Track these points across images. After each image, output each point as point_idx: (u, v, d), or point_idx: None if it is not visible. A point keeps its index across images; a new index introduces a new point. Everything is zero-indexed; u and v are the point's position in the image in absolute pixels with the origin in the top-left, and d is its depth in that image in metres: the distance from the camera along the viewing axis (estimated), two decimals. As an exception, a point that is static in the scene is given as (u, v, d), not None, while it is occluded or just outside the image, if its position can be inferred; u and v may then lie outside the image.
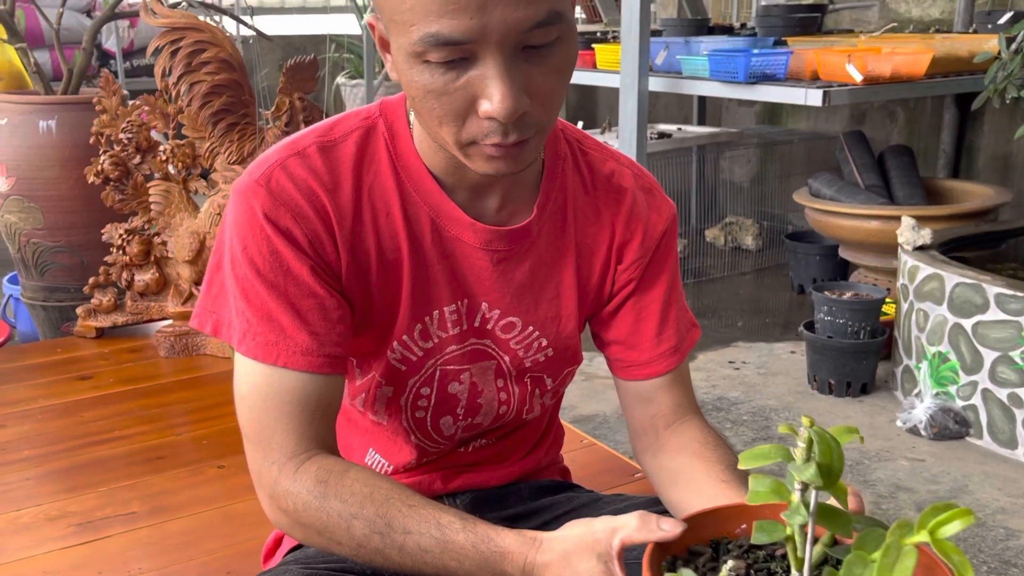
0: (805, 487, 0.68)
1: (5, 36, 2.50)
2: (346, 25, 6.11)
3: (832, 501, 0.69)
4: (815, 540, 0.69)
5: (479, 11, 0.73)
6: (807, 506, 0.68)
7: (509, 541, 0.80)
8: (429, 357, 0.97)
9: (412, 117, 0.92)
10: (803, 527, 0.69)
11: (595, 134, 4.09)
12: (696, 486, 0.95)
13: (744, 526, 0.78)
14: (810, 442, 0.68)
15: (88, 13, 5.24)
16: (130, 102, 2.21)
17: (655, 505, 1.03)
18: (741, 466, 0.68)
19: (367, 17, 0.89)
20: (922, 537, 0.64)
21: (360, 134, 0.91)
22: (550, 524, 1.08)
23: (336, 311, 0.89)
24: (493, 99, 0.76)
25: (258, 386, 0.88)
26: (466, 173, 0.90)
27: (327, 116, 2.14)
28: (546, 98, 0.80)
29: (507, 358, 1.00)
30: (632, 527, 0.75)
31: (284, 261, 0.87)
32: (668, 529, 0.72)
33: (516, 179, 0.94)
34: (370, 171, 0.91)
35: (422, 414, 1.01)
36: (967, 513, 0.63)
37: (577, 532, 0.79)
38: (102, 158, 2.18)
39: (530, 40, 0.76)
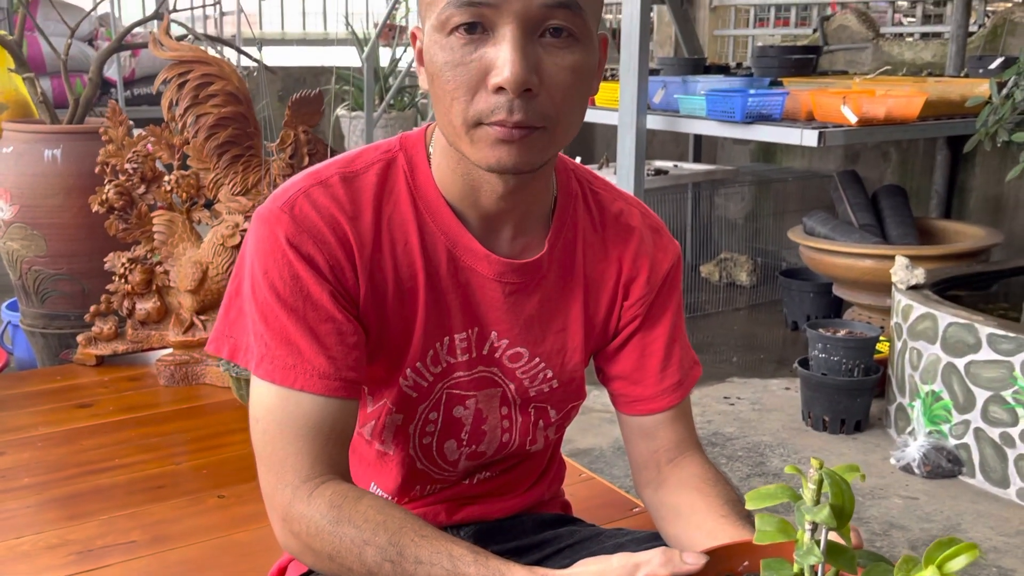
0: (815, 527, 0.70)
1: (13, 65, 2.53)
2: (346, 57, 6.17)
3: (834, 536, 0.70)
4: (821, 576, 0.71)
5: None
6: (819, 544, 0.69)
7: None
8: (438, 381, 0.99)
9: (432, 149, 0.95)
10: (813, 566, 0.70)
11: (592, 170, 4.13)
12: (696, 521, 0.96)
13: (747, 563, 0.79)
14: (820, 483, 0.70)
15: (90, 42, 5.29)
16: (135, 131, 2.23)
17: (655, 539, 1.04)
18: (748, 507, 0.70)
19: (411, 28, 0.93)
20: (930, 572, 0.66)
21: (381, 166, 0.94)
22: (553, 557, 1.09)
23: (353, 336, 0.91)
24: (503, 69, 0.80)
25: (274, 409, 0.89)
26: (479, 198, 0.93)
27: (328, 147, 2.16)
28: (555, 91, 0.83)
29: (512, 387, 1.02)
30: (656, 563, 0.76)
31: (304, 286, 0.89)
32: (692, 563, 0.74)
33: (528, 212, 0.97)
34: (389, 201, 0.94)
35: (429, 440, 1.03)
36: (972, 547, 0.65)
37: (594, 569, 0.79)
38: (107, 187, 2.19)
39: (546, 21, 0.81)
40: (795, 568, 0.72)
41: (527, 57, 0.81)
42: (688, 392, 1.08)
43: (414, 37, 0.91)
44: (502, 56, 0.81)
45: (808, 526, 0.69)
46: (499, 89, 0.81)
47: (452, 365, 0.99)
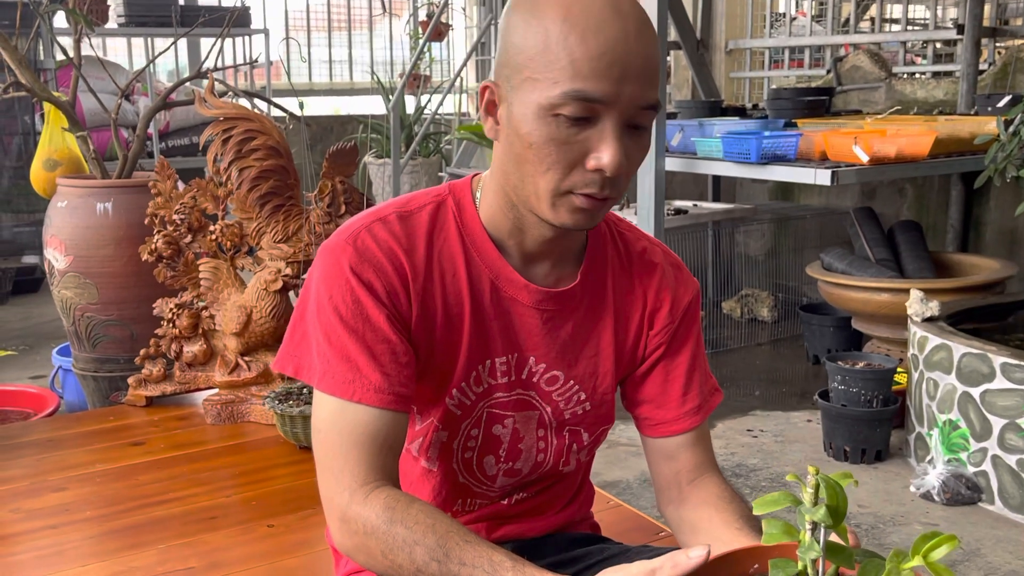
0: (815, 526, 0.79)
1: (67, 124, 2.69)
2: (373, 106, 6.36)
3: (834, 538, 0.80)
4: (824, 573, 0.80)
5: (618, 82, 0.93)
6: (818, 542, 0.79)
7: None
8: (480, 400, 1.11)
9: (479, 194, 1.08)
10: (815, 562, 0.80)
11: (614, 210, 4.24)
12: (714, 534, 1.06)
13: (757, 566, 0.89)
14: (816, 487, 0.80)
15: (127, 97, 5.49)
16: (180, 184, 2.37)
17: (680, 553, 1.13)
18: (755, 512, 0.80)
19: (482, 82, 1.05)
20: (917, 562, 0.75)
21: (432, 207, 1.08)
22: (584, 572, 1.19)
23: (405, 356, 1.02)
24: (605, 154, 0.95)
25: (334, 420, 1.01)
26: (524, 239, 1.06)
27: (363, 196, 2.29)
28: (630, 170, 1.00)
29: (549, 409, 1.13)
30: (668, 567, 0.85)
31: (364, 309, 1.01)
32: (696, 556, 0.84)
33: (565, 248, 1.10)
34: (440, 237, 1.06)
35: (470, 455, 1.13)
36: (952, 539, 0.75)
37: None
38: (156, 237, 2.33)
39: (637, 119, 0.96)
40: (799, 566, 0.81)
41: (624, 146, 0.96)
42: (707, 416, 1.18)
43: (486, 89, 1.02)
44: (606, 144, 0.95)
45: (808, 525, 0.79)
46: (597, 169, 0.95)
47: (493, 386, 1.10)
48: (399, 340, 1.02)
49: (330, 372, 1.01)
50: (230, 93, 2.78)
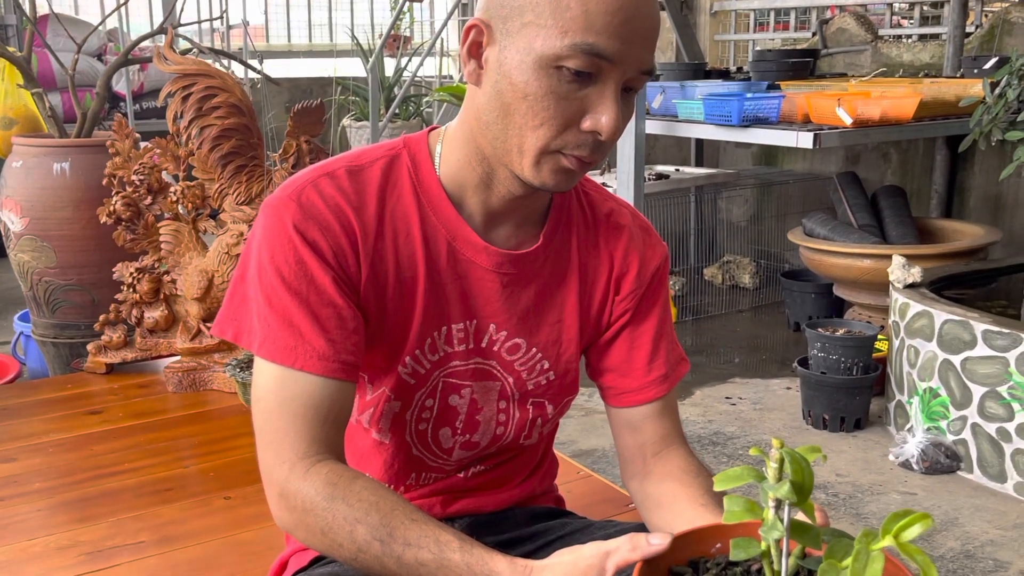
0: (779, 504, 0.73)
1: (22, 81, 2.59)
2: (352, 68, 6.24)
3: (801, 516, 0.74)
4: (789, 553, 0.75)
5: (628, 41, 0.87)
6: (782, 521, 0.73)
7: (502, 566, 0.84)
8: (435, 369, 1.04)
9: (439, 148, 1.01)
10: (778, 541, 0.74)
11: (595, 175, 4.17)
12: (678, 510, 1.01)
13: (720, 545, 0.83)
14: (781, 461, 0.74)
15: (99, 57, 5.36)
16: (142, 144, 2.28)
17: (642, 530, 1.07)
18: (716, 488, 0.73)
19: (469, 20, 0.95)
20: (887, 542, 0.69)
21: (385, 162, 1.00)
22: (544, 548, 1.13)
23: (352, 322, 0.95)
24: (604, 116, 0.89)
25: (275, 388, 0.94)
26: (489, 196, 0.99)
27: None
28: (621, 133, 0.93)
29: (511, 380, 1.07)
30: (625, 549, 0.80)
31: (308, 270, 0.93)
32: (657, 543, 0.78)
33: (529, 209, 1.03)
34: (393, 194, 0.99)
35: (424, 426, 1.07)
36: (926, 517, 0.69)
37: (567, 559, 0.83)
38: (114, 199, 2.24)
39: (635, 82, 0.91)
40: (763, 546, 0.75)
41: (621, 110, 0.90)
42: (674, 386, 1.11)
43: (472, 28, 0.92)
44: (605, 106, 0.89)
45: (772, 503, 0.73)
46: (592, 131, 0.90)
47: (449, 354, 1.03)
48: (346, 304, 0.95)
49: (271, 337, 0.93)
50: (194, 50, 2.68)
